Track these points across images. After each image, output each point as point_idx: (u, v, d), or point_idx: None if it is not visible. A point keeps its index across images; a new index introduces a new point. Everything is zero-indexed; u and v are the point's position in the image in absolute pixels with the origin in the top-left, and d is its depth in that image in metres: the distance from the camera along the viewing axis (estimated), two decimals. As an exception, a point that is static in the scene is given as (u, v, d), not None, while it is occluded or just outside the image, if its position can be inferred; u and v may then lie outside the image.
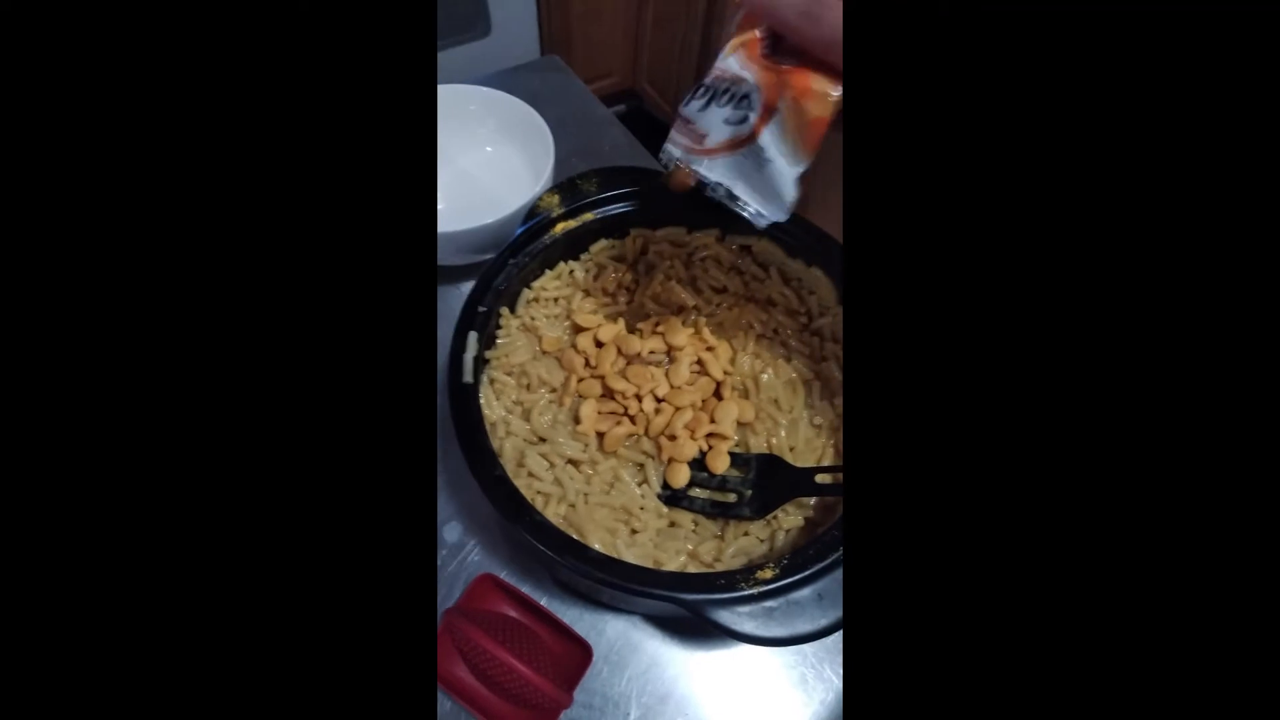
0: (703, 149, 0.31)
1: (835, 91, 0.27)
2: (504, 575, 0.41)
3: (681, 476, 0.39)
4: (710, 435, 0.40)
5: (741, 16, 0.30)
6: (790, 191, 0.30)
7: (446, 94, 0.55)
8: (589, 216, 0.45)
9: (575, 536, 0.35)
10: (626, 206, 0.46)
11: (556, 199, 0.45)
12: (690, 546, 0.38)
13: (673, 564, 0.37)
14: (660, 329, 0.43)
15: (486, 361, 0.42)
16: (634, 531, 0.38)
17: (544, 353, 0.44)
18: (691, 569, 0.37)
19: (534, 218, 0.45)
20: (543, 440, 0.40)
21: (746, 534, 0.38)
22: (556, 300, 0.46)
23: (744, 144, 0.30)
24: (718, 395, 0.42)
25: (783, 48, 0.28)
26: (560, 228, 0.45)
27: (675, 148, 0.32)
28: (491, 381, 0.42)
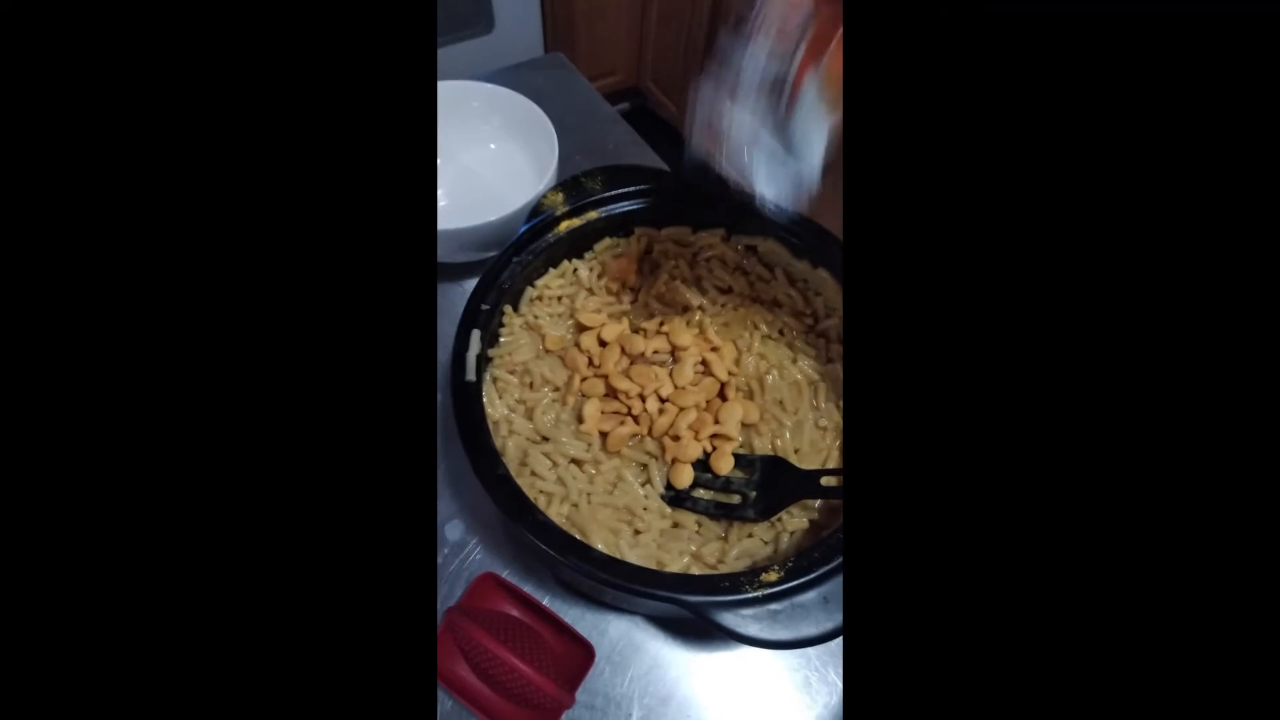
0: (733, 87, 0.29)
1: None
2: (506, 574, 0.41)
3: (685, 477, 0.39)
4: (714, 436, 0.40)
5: None
6: (818, 150, 0.28)
7: (450, 91, 0.55)
8: (593, 215, 0.45)
9: (578, 536, 0.35)
10: (631, 205, 0.46)
11: (560, 197, 0.45)
12: (694, 548, 0.38)
13: (676, 565, 0.36)
14: (664, 328, 0.43)
15: (489, 360, 0.42)
16: (637, 532, 0.38)
17: (547, 351, 0.43)
18: (695, 570, 0.37)
19: (538, 215, 0.44)
20: (546, 439, 0.40)
21: (751, 536, 0.38)
22: (560, 299, 0.46)
23: (780, 89, 0.27)
24: (722, 396, 0.42)
25: None
26: (564, 226, 0.45)
27: (707, 88, 0.30)
28: (494, 380, 0.42)
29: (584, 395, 0.41)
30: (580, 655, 0.38)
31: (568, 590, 0.41)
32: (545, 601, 0.40)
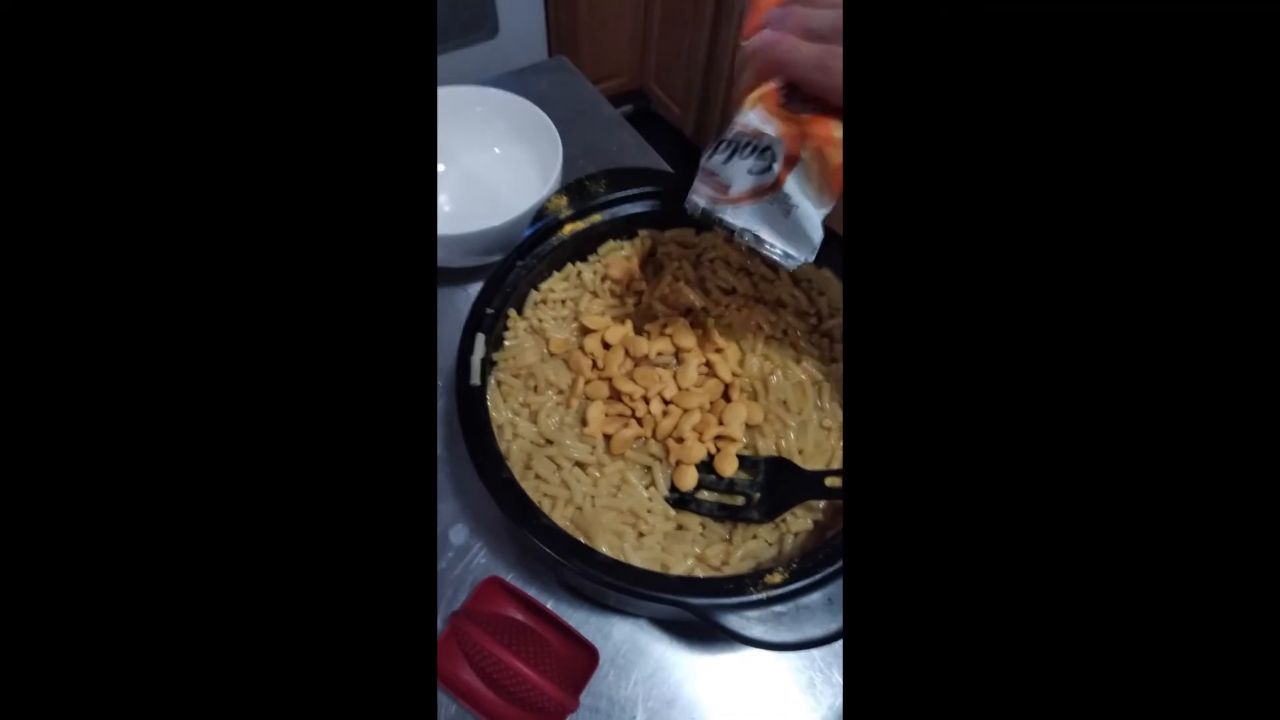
0: (727, 198, 0.32)
1: None
2: (510, 578, 0.41)
3: (689, 479, 0.39)
4: (718, 438, 0.40)
5: (755, 68, 0.30)
6: (817, 232, 0.30)
7: (453, 95, 0.55)
8: (597, 218, 0.45)
9: (582, 539, 0.35)
10: (635, 207, 0.46)
11: (565, 200, 0.45)
12: (698, 550, 0.38)
13: (680, 567, 0.36)
14: (668, 330, 0.43)
15: (494, 363, 0.42)
16: (641, 534, 0.38)
17: (551, 354, 0.43)
18: (699, 572, 0.37)
19: (542, 219, 0.45)
20: (550, 442, 0.40)
21: (755, 537, 0.38)
22: (564, 302, 0.46)
23: (768, 192, 0.30)
24: (726, 397, 0.42)
25: (799, 95, 0.29)
26: (568, 229, 0.45)
27: (700, 198, 0.33)
28: (499, 383, 0.42)
29: (588, 398, 0.41)
30: (584, 658, 0.38)
31: (572, 593, 0.41)
32: (549, 605, 0.40)
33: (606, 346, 0.43)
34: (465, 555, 0.42)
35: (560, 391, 0.42)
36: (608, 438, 0.40)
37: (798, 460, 0.39)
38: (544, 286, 0.45)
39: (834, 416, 0.41)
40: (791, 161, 0.29)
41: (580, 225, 0.45)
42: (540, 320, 0.44)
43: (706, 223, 0.34)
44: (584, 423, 0.40)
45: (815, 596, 0.32)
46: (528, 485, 0.37)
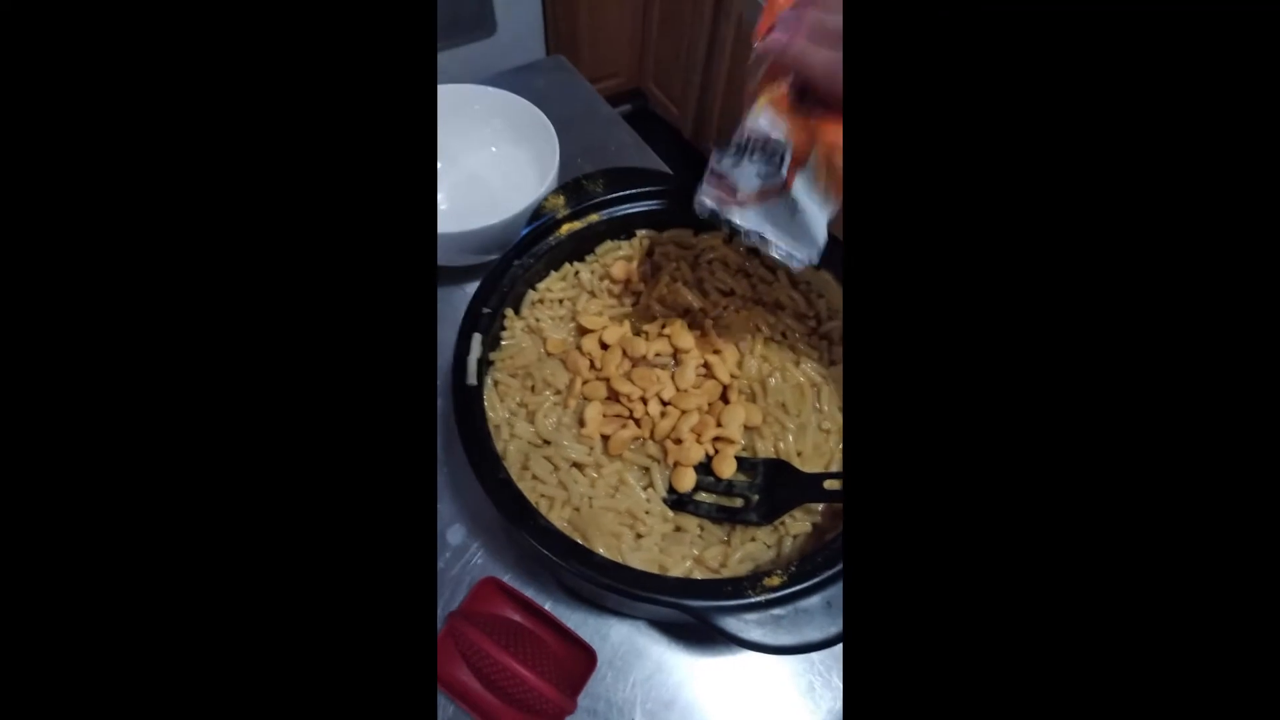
0: (735, 200, 0.32)
1: None
2: (508, 579, 0.40)
3: (687, 481, 0.39)
4: (717, 439, 0.40)
5: (767, 65, 0.30)
6: (822, 234, 0.31)
7: (451, 94, 0.55)
8: (595, 217, 0.45)
9: (580, 541, 0.35)
10: (632, 207, 0.45)
11: (562, 200, 0.45)
12: (696, 552, 0.37)
13: (678, 569, 0.36)
14: (666, 331, 0.43)
15: (491, 363, 0.42)
16: (639, 536, 0.37)
17: (549, 354, 0.43)
18: (697, 574, 0.37)
19: (539, 218, 0.44)
20: (547, 443, 0.40)
21: (754, 540, 0.38)
22: (562, 302, 0.46)
23: (775, 194, 0.31)
24: (724, 399, 0.42)
25: (811, 96, 0.29)
26: (566, 229, 0.44)
27: (709, 200, 0.33)
28: (496, 383, 0.42)
29: (585, 398, 0.41)
30: (582, 660, 0.38)
31: (570, 594, 0.41)
32: (547, 606, 0.39)
33: (604, 347, 0.43)
34: (462, 555, 0.42)
35: (558, 392, 0.42)
36: (605, 438, 0.40)
37: (796, 463, 0.39)
38: (541, 286, 0.45)
39: (833, 419, 0.41)
40: (799, 162, 0.29)
41: (578, 225, 0.45)
42: (537, 320, 0.44)
43: (714, 223, 0.34)
44: (582, 423, 0.40)
45: (814, 600, 0.31)
46: (525, 486, 0.37)
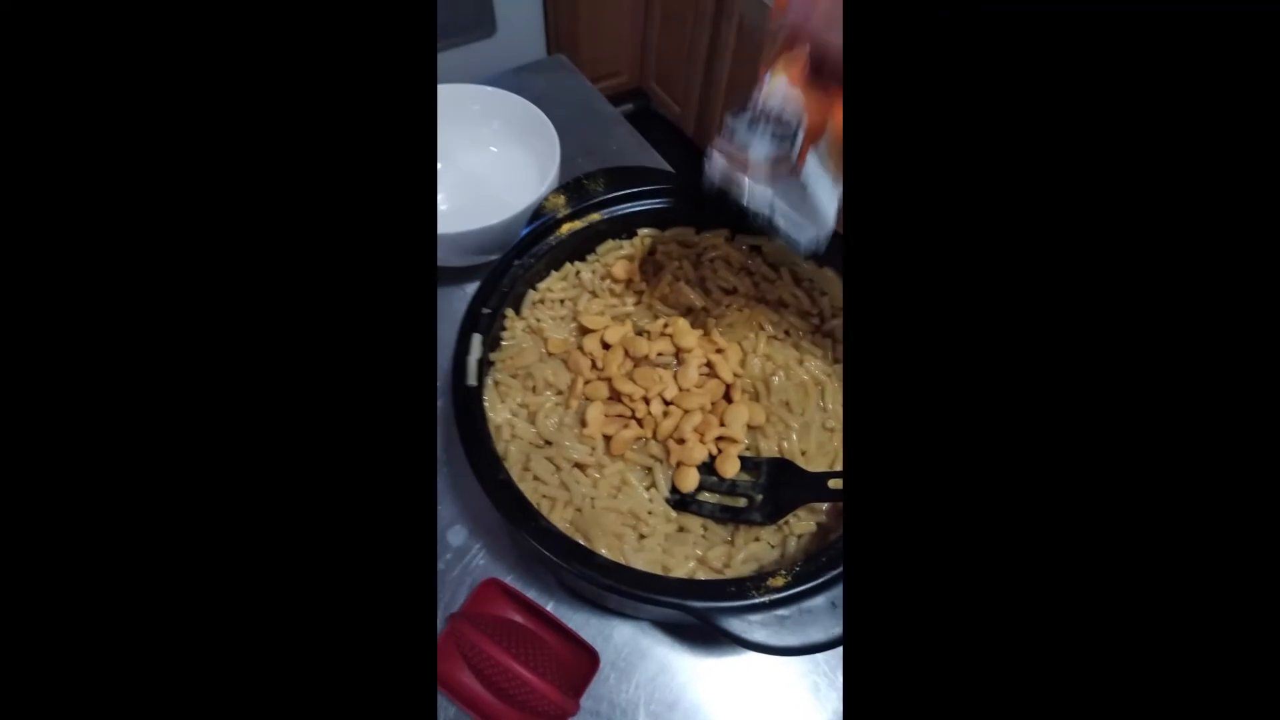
0: (745, 167, 0.32)
1: None
2: (510, 580, 0.40)
3: (690, 480, 0.38)
4: (720, 439, 0.40)
5: (786, 32, 0.30)
6: (831, 214, 0.30)
7: (449, 94, 0.55)
8: (595, 217, 0.45)
9: (581, 541, 0.34)
10: (634, 206, 0.45)
11: (562, 199, 0.45)
12: (699, 552, 0.37)
13: (681, 570, 0.36)
14: (668, 330, 0.43)
15: (491, 364, 0.41)
16: (642, 536, 0.37)
17: (550, 354, 0.43)
18: (701, 575, 0.36)
19: (539, 218, 0.44)
20: (549, 443, 0.39)
21: (757, 539, 0.37)
22: (563, 301, 0.45)
23: (787, 167, 0.30)
24: (727, 398, 0.41)
25: (827, 68, 0.29)
26: (566, 228, 0.44)
27: (719, 163, 0.33)
28: (496, 384, 0.41)
29: (587, 398, 0.41)
30: (585, 661, 0.37)
31: (572, 595, 0.40)
32: (549, 607, 0.39)
33: (606, 346, 0.42)
34: (464, 556, 0.42)
35: (559, 392, 0.42)
36: (607, 439, 0.40)
37: (800, 462, 0.39)
38: (542, 286, 0.45)
39: (837, 417, 0.41)
40: (814, 136, 0.29)
41: (578, 224, 0.44)
42: (538, 320, 0.44)
43: (717, 220, 0.33)
44: (583, 423, 0.40)
45: (819, 600, 0.31)
46: (526, 487, 0.36)
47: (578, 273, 0.46)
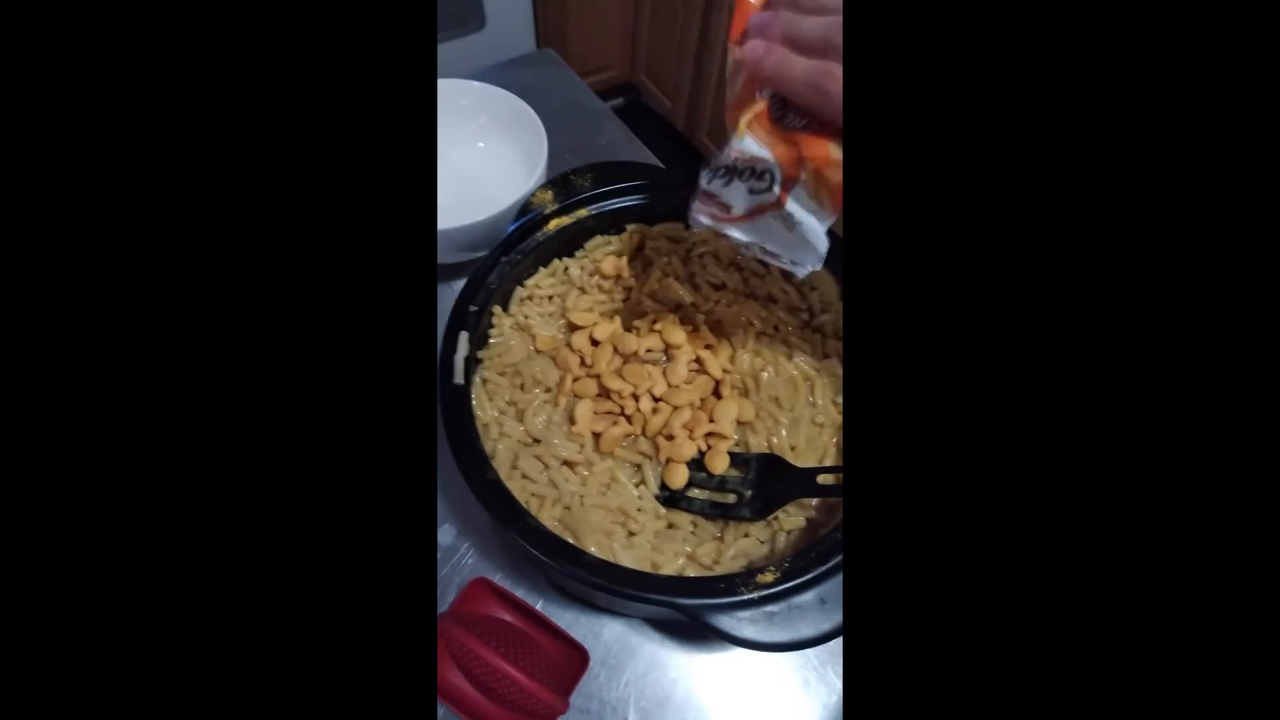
0: (729, 217, 0.31)
1: None
2: (498, 579, 0.40)
3: (680, 477, 0.38)
4: (709, 435, 0.40)
5: (745, 77, 0.29)
6: (822, 242, 0.30)
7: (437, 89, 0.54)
8: (583, 212, 0.44)
9: (570, 540, 0.34)
10: (622, 202, 0.45)
11: (550, 195, 0.44)
12: (689, 549, 0.37)
13: (671, 566, 0.36)
14: (657, 326, 0.42)
15: (479, 362, 0.41)
16: (631, 534, 0.37)
17: (538, 352, 0.43)
18: (690, 571, 0.36)
19: (527, 214, 0.44)
20: (537, 441, 0.39)
21: (747, 535, 0.37)
22: (551, 298, 0.45)
23: (769, 209, 0.30)
24: (716, 394, 0.41)
25: (792, 109, 0.28)
26: (553, 224, 0.44)
27: (704, 218, 0.33)
28: (484, 382, 0.41)
29: (576, 396, 0.41)
30: (575, 659, 0.37)
31: (561, 594, 0.40)
32: (539, 605, 0.39)
33: (595, 343, 0.42)
34: (452, 556, 0.41)
35: (547, 389, 0.41)
36: (596, 436, 0.40)
37: (790, 457, 0.39)
38: (530, 283, 0.45)
39: (826, 413, 0.41)
40: (790, 183, 0.28)
41: (566, 220, 0.44)
42: (526, 317, 0.44)
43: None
44: (572, 421, 0.40)
45: (808, 596, 0.31)
46: (514, 485, 0.36)
47: (566, 269, 0.46)
